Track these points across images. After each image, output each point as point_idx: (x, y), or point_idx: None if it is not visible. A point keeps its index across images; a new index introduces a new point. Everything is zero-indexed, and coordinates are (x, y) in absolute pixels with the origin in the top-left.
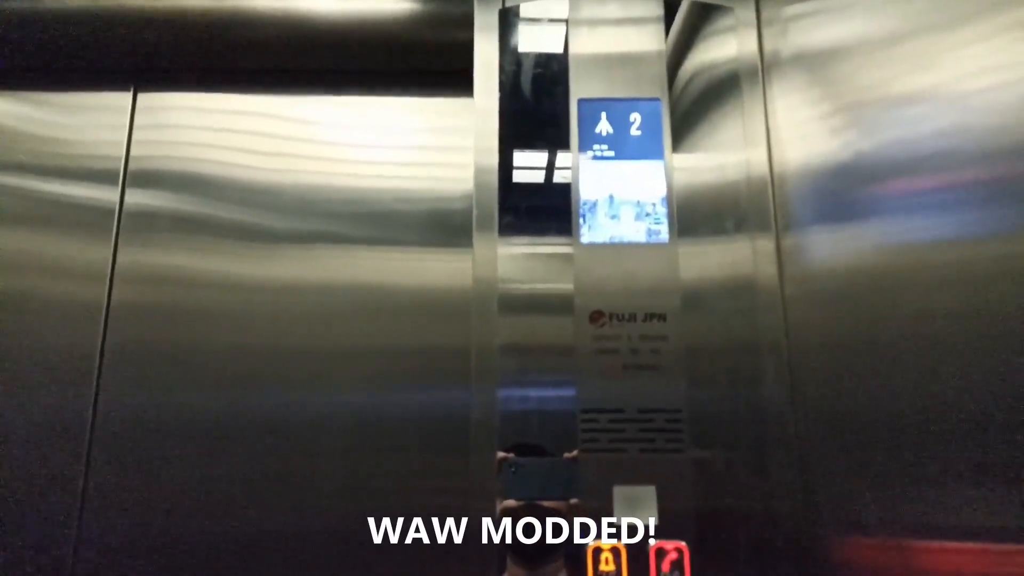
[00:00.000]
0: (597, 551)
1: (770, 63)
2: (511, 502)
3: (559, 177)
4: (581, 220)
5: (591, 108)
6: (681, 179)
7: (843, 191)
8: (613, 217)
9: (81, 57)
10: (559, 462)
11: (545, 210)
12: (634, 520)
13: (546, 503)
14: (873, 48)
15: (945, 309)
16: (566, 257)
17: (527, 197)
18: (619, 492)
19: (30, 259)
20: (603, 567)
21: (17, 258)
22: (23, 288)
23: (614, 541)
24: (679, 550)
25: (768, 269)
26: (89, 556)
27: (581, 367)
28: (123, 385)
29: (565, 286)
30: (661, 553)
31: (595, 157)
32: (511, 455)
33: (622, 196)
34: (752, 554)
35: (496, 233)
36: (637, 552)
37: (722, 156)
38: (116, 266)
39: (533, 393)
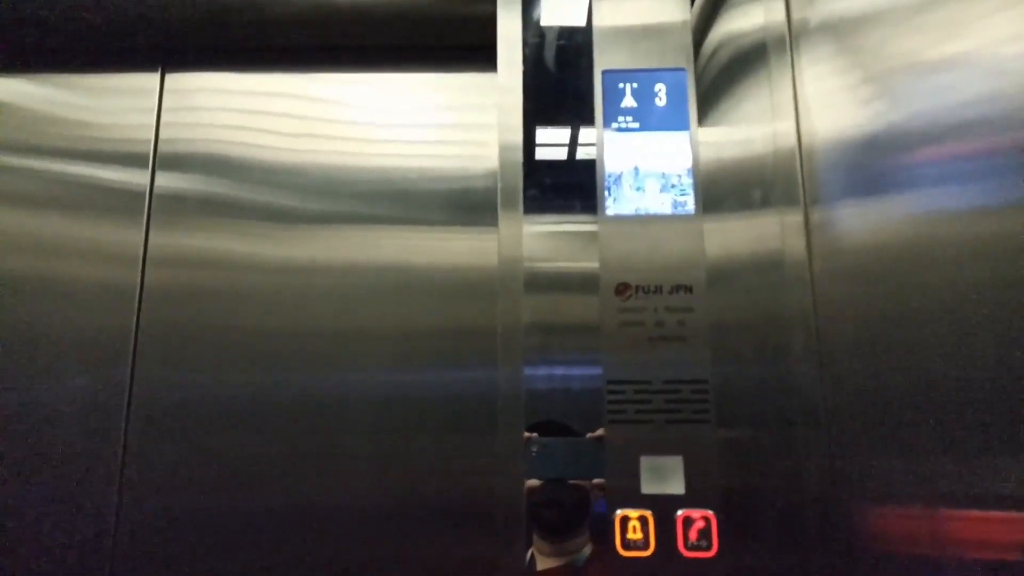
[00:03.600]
0: (625, 519)
1: (798, 32)
2: (535, 481)
3: (583, 153)
4: (606, 192)
5: (615, 79)
6: (707, 153)
7: (873, 162)
8: (638, 189)
9: (109, 37)
10: (584, 442)
11: (570, 187)
12: (661, 490)
13: (571, 481)
14: (904, 14)
15: (976, 280)
16: (592, 234)
17: (552, 174)
18: (646, 462)
19: (65, 243)
20: (630, 535)
21: (52, 242)
22: (58, 271)
23: (641, 510)
24: (706, 519)
25: (796, 243)
26: (129, 530)
27: (607, 339)
28: (157, 366)
29: (591, 264)
30: (688, 522)
31: (620, 129)
32: (536, 435)
33: (647, 168)
34: (780, 523)
35: (521, 211)
36: (664, 521)
37: (749, 129)
38: (148, 249)
39: (559, 371)
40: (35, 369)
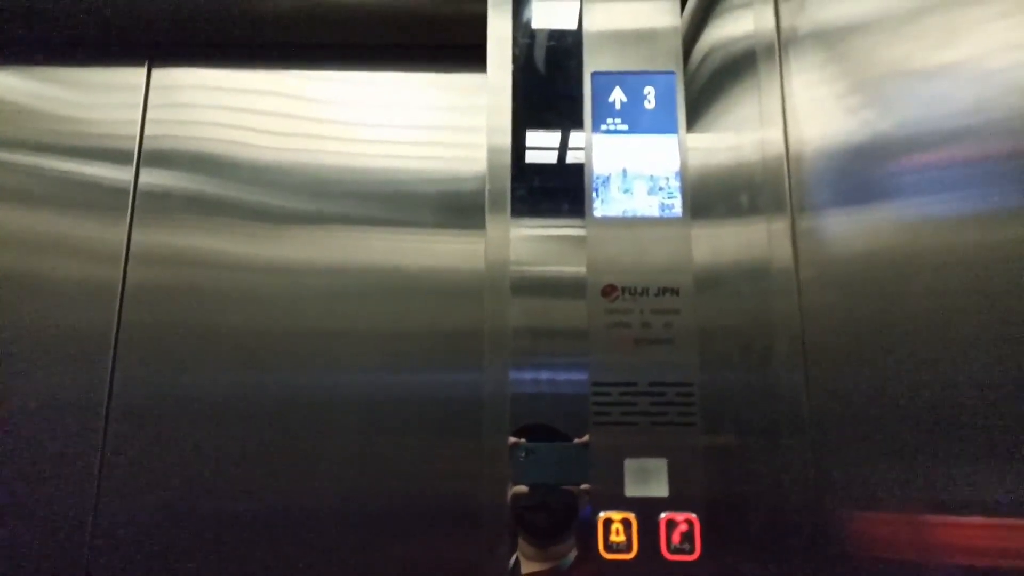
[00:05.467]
0: (608, 522)
1: (787, 39)
2: (523, 488)
3: (572, 157)
4: (594, 194)
5: (605, 81)
6: (696, 159)
7: (860, 171)
8: (626, 191)
9: (95, 30)
10: (571, 447)
11: (558, 190)
12: (645, 492)
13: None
14: (893, 23)
15: (962, 288)
16: (579, 239)
17: (540, 177)
18: (630, 464)
19: (46, 239)
20: (613, 537)
21: (34, 237)
22: (39, 268)
23: (625, 512)
24: (689, 522)
25: (783, 251)
26: (106, 528)
27: (593, 341)
28: (138, 364)
29: (578, 268)
30: (672, 524)
31: (608, 131)
32: (522, 440)
33: (635, 170)
34: (763, 527)
35: (509, 215)
36: (647, 523)
37: (737, 136)
38: (131, 246)
39: (546, 376)
40: (13, 366)
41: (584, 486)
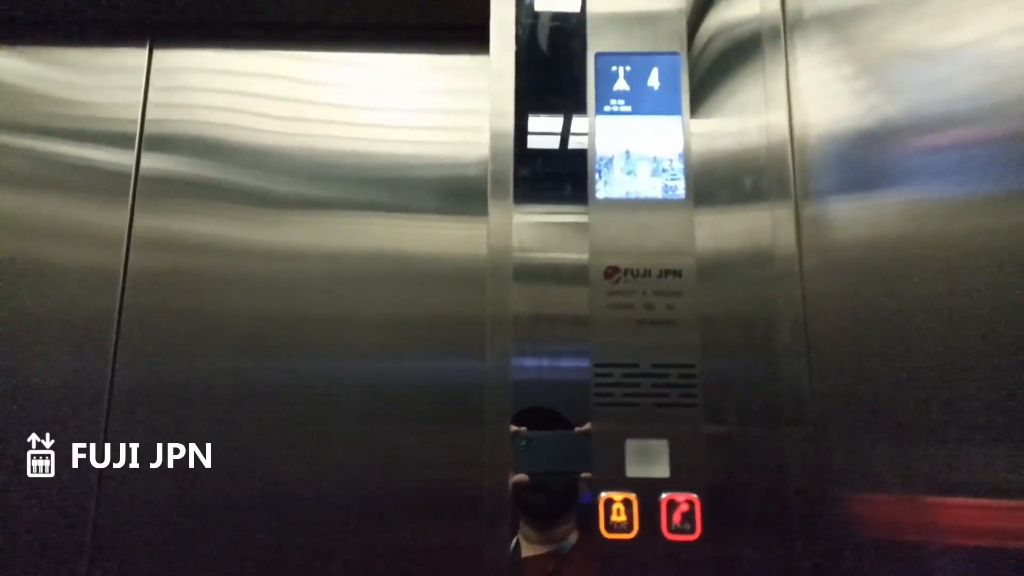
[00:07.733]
0: (609, 502)
1: (793, 22)
2: (523, 476)
3: (575, 142)
4: (597, 176)
5: (608, 62)
6: (700, 144)
7: (865, 156)
8: (629, 173)
9: (95, 11)
10: (571, 436)
11: (561, 175)
12: (646, 473)
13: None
14: (899, 6)
15: (965, 273)
16: (582, 225)
17: (543, 162)
18: (632, 445)
19: (47, 223)
20: (614, 517)
21: (34, 222)
22: (40, 253)
23: (626, 493)
24: (690, 502)
25: (787, 237)
26: (108, 513)
27: (595, 322)
28: (140, 350)
29: (581, 255)
30: (672, 505)
31: (612, 112)
32: (523, 429)
33: (638, 152)
34: (765, 508)
35: (511, 200)
36: (648, 503)
37: (742, 120)
38: (133, 231)
39: (548, 362)
40: (14, 351)
41: (585, 475)
